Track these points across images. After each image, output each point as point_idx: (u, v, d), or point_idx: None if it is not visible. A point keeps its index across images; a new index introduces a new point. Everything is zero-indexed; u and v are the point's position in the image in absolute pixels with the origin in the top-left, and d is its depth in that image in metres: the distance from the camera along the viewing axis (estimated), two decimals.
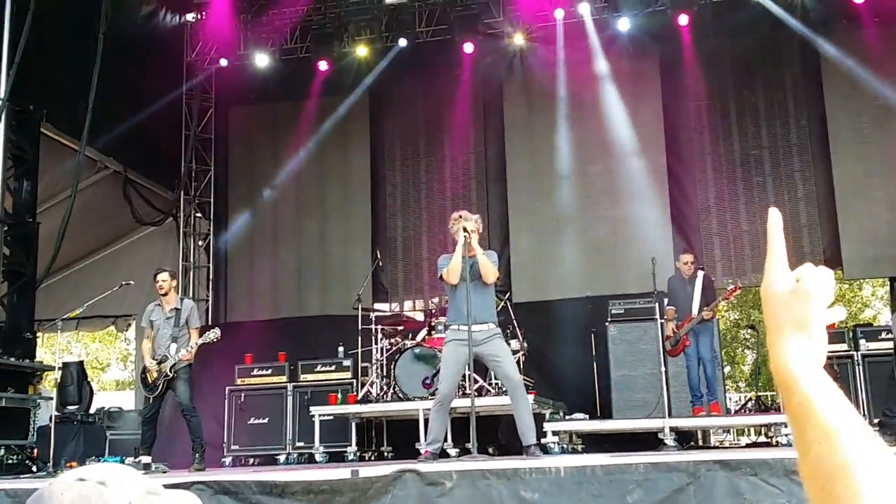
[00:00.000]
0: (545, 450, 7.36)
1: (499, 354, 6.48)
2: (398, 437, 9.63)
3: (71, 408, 9.82)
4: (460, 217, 6.60)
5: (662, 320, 8.59)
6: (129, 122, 10.59)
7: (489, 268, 6.44)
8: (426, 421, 8.31)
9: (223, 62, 12.21)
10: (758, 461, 4.39)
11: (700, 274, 8.68)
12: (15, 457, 7.86)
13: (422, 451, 6.71)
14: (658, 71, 11.74)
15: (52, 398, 8.99)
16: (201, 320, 12.62)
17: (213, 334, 7.80)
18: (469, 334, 6.25)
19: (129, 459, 7.94)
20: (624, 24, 11.08)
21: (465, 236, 6.41)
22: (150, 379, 7.85)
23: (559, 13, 11.14)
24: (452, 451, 8.31)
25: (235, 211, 13.05)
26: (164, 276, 7.96)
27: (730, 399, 11.63)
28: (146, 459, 7.62)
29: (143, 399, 12.38)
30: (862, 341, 8.92)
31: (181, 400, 7.82)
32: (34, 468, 7.83)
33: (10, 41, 8.43)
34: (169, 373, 7.72)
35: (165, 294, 7.93)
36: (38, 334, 9.51)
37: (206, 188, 13.02)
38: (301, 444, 9.60)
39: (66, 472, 1.19)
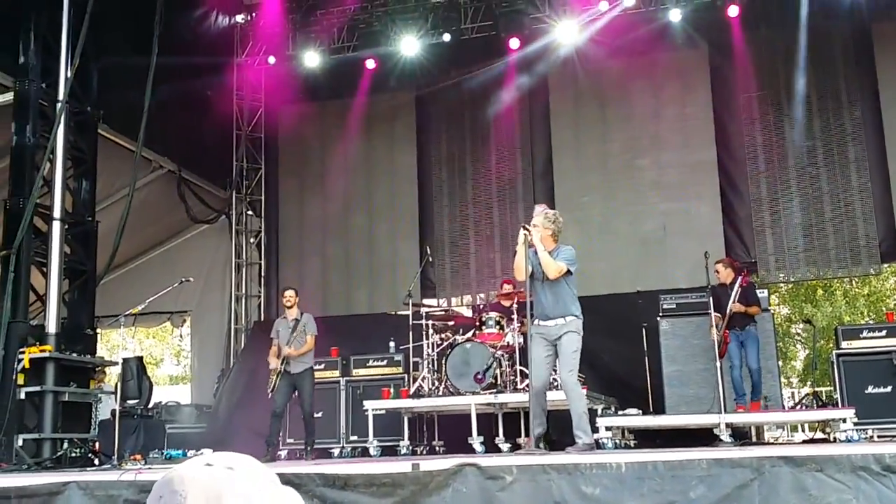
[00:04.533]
0: (599, 445, 7.34)
1: (561, 352, 6.40)
2: (449, 432, 9.66)
3: (131, 402, 10.03)
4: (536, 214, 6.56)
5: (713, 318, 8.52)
6: (182, 122, 10.78)
7: (549, 265, 6.33)
8: (478, 416, 8.38)
9: (271, 60, 12.37)
10: (823, 457, 4.33)
11: (738, 279, 8.64)
12: (78, 450, 8.05)
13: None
14: (707, 62, 11.63)
15: (112, 393, 9.18)
16: (254, 316, 12.87)
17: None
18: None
19: (191, 452, 8.10)
20: (675, 16, 10.99)
21: (524, 233, 6.33)
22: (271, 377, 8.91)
23: (604, 5, 11.05)
24: (504, 447, 8.35)
25: (285, 208, 13.24)
26: (290, 292, 9.19)
27: (782, 395, 11.42)
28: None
29: (198, 394, 12.72)
30: None
31: (303, 403, 8.90)
32: (96, 461, 8.00)
33: (69, 43, 8.62)
34: (280, 367, 8.77)
35: (290, 307, 9.07)
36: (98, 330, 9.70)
37: (257, 186, 13.23)
38: (355, 437, 9.70)
39: (192, 458, 1.25)
